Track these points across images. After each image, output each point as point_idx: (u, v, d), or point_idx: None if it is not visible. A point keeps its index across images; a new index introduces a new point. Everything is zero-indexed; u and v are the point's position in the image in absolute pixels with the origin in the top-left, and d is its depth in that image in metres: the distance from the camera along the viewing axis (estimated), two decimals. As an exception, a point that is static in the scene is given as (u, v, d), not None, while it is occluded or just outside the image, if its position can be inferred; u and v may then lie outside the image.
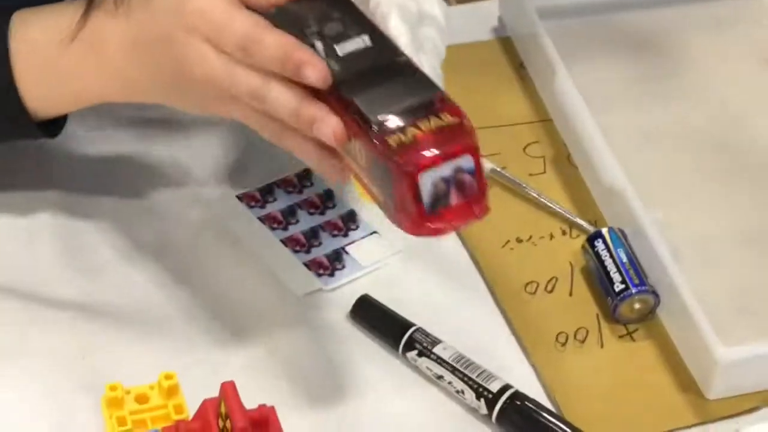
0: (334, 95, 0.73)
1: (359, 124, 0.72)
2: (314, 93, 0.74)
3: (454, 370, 0.86)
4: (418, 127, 0.70)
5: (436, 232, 0.72)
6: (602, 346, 0.91)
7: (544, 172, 1.02)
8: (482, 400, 0.85)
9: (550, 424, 0.84)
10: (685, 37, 1.13)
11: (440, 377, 0.87)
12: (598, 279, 0.93)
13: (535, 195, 0.99)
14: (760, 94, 1.09)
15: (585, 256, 0.95)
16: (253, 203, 0.97)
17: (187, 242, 0.94)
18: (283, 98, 0.75)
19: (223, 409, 0.72)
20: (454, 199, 0.71)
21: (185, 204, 0.96)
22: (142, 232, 0.94)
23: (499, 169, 1.00)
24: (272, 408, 0.77)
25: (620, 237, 0.94)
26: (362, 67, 0.74)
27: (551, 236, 0.97)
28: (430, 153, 0.70)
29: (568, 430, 0.84)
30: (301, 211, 0.97)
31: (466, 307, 0.93)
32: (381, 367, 0.88)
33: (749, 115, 1.07)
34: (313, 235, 0.95)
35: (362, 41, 0.74)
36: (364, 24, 0.76)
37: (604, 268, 0.92)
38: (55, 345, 0.86)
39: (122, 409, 0.79)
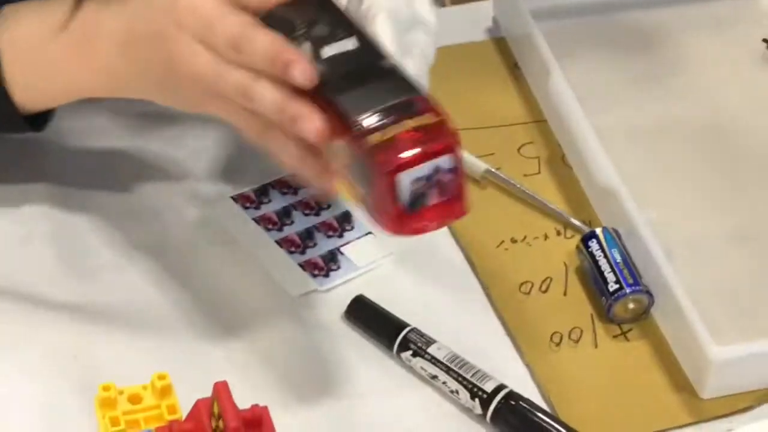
0: (319, 95, 0.74)
1: (342, 123, 0.72)
2: (300, 93, 0.74)
3: (448, 370, 0.86)
4: (399, 127, 0.71)
5: (416, 231, 0.72)
6: (596, 345, 0.91)
7: (539, 172, 1.02)
8: (477, 400, 0.85)
9: (545, 424, 0.84)
10: (680, 38, 1.13)
11: (435, 377, 0.86)
12: (592, 279, 0.93)
13: (529, 195, 0.99)
14: (755, 94, 1.09)
15: (579, 256, 0.95)
16: (248, 204, 0.97)
17: (182, 243, 0.94)
18: (269, 95, 0.75)
19: (215, 409, 0.72)
20: (434, 198, 0.72)
21: (180, 205, 0.96)
22: (136, 233, 0.94)
23: (493, 170, 1.00)
24: (265, 408, 0.77)
25: (614, 237, 0.94)
26: (347, 69, 0.74)
27: (546, 236, 0.97)
28: (410, 152, 0.70)
29: (562, 430, 0.84)
30: (296, 212, 0.97)
31: (461, 308, 0.93)
32: (375, 368, 0.88)
33: (744, 115, 1.07)
34: (308, 235, 0.95)
35: (348, 44, 0.75)
36: (351, 27, 0.76)
37: (599, 268, 0.92)
38: (48, 345, 0.86)
39: (115, 409, 0.78)
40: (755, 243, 0.97)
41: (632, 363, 0.90)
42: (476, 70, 1.09)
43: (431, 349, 0.87)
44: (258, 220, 0.96)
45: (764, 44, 1.12)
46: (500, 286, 0.93)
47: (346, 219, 0.96)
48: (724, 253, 0.96)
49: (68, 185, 0.96)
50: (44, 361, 0.85)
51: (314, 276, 0.93)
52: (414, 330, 0.88)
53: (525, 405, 0.84)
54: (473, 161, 1.00)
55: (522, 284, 0.94)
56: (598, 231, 0.94)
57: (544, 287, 0.94)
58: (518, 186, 1.00)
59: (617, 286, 0.91)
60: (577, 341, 0.91)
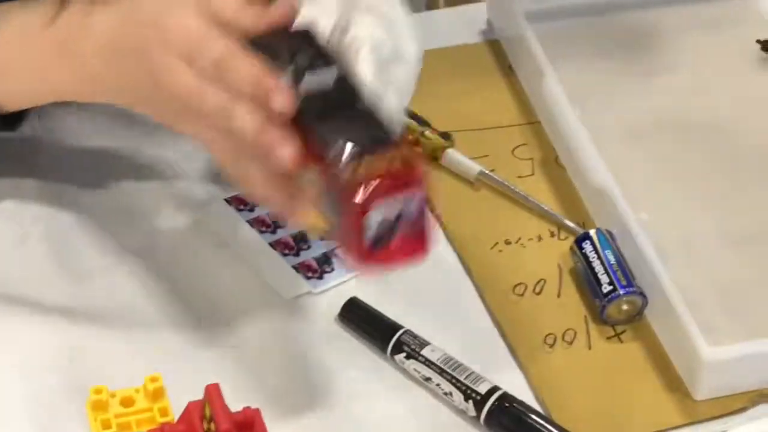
0: (296, 124, 0.74)
1: (316, 155, 0.73)
2: (278, 121, 0.74)
3: (442, 372, 0.86)
4: (371, 166, 0.71)
5: (378, 268, 0.74)
6: (590, 347, 0.90)
7: (533, 174, 1.02)
8: (470, 402, 0.84)
9: (539, 426, 0.83)
10: (673, 39, 1.13)
11: (428, 379, 0.86)
12: (586, 280, 0.93)
13: (523, 197, 0.99)
14: (749, 95, 1.09)
15: (573, 258, 0.94)
16: (241, 206, 0.96)
17: (176, 245, 0.93)
18: (248, 119, 0.75)
19: (207, 412, 0.72)
20: (398, 237, 0.72)
21: (174, 206, 0.96)
22: (130, 235, 0.94)
23: (487, 172, 1.00)
24: (257, 410, 0.77)
25: (608, 238, 0.93)
26: (325, 102, 0.75)
27: (539, 238, 0.97)
28: (379, 192, 0.71)
29: (555, 430, 0.83)
30: (289, 215, 0.96)
31: (455, 309, 0.92)
32: (369, 370, 0.88)
33: (738, 116, 1.07)
34: (301, 238, 0.94)
35: (329, 76, 0.75)
36: (333, 60, 0.77)
37: (592, 269, 0.92)
38: (41, 347, 0.86)
39: (107, 412, 0.78)
40: (748, 244, 0.97)
41: (626, 364, 0.89)
42: (470, 72, 1.09)
43: (425, 351, 0.87)
44: (252, 223, 0.95)
45: (758, 45, 1.12)
46: (494, 288, 0.93)
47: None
48: (718, 254, 0.96)
49: (63, 187, 0.96)
50: (36, 363, 0.85)
51: (308, 278, 0.92)
52: (408, 332, 0.88)
53: (519, 407, 0.84)
54: (467, 163, 1.00)
55: (516, 286, 0.94)
56: (592, 232, 0.94)
57: (537, 289, 0.94)
58: (512, 187, 1.00)
59: (611, 287, 0.91)
60: (570, 343, 0.90)
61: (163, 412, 0.79)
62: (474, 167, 1.00)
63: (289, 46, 0.76)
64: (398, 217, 0.71)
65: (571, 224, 0.97)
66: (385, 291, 0.92)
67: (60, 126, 0.96)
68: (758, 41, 1.12)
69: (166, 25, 0.77)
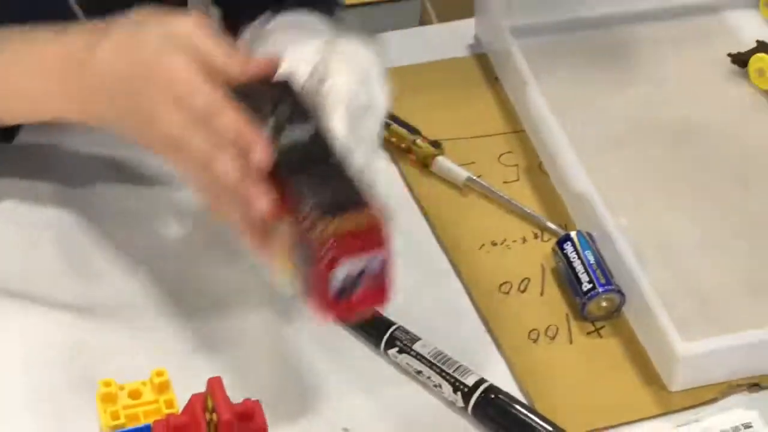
0: (273, 176, 0.74)
1: (289, 208, 0.73)
2: (256, 169, 0.75)
3: (432, 366, 0.85)
4: (340, 225, 0.71)
5: (340, 317, 0.74)
6: (571, 342, 0.90)
7: (518, 179, 1.01)
8: (459, 393, 0.84)
9: (523, 416, 0.83)
10: (650, 53, 1.13)
11: (419, 372, 0.86)
12: (567, 279, 0.92)
13: (508, 201, 0.99)
14: (721, 105, 1.09)
15: (555, 258, 0.94)
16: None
17: (179, 247, 0.93)
18: (229, 169, 0.74)
19: (209, 403, 0.72)
20: (361, 290, 0.73)
21: (177, 210, 0.96)
22: (136, 237, 0.93)
23: (475, 178, 1.00)
24: (257, 402, 0.76)
25: (588, 240, 0.93)
26: (302, 155, 0.75)
27: (524, 239, 0.97)
28: (346, 250, 0.71)
29: (539, 421, 0.83)
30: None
31: (444, 307, 0.92)
32: (364, 364, 0.87)
33: (710, 125, 1.07)
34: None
35: (306, 131, 0.76)
36: (311, 115, 0.77)
37: (573, 269, 0.92)
38: (53, 343, 0.85)
39: (116, 404, 0.78)
40: (719, 245, 0.97)
41: (605, 358, 0.89)
42: (459, 83, 1.09)
43: (416, 346, 0.86)
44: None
45: (728, 58, 1.12)
46: (481, 287, 0.93)
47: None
48: (692, 255, 0.96)
49: (73, 193, 0.95)
50: (49, 358, 0.85)
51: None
52: (400, 328, 0.87)
53: (504, 398, 0.84)
54: (456, 169, 1.00)
55: (501, 285, 0.93)
56: (573, 234, 0.93)
57: (522, 287, 0.93)
58: (498, 192, 0.99)
59: (590, 286, 0.90)
60: (553, 338, 0.90)
61: (169, 403, 0.78)
62: (462, 173, 1.00)
63: (271, 97, 0.77)
64: (361, 273, 0.72)
65: (553, 227, 0.97)
66: (378, 289, 0.92)
67: (71, 134, 0.95)
68: (729, 55, 1.12)
69: (161, 67, 0.77)
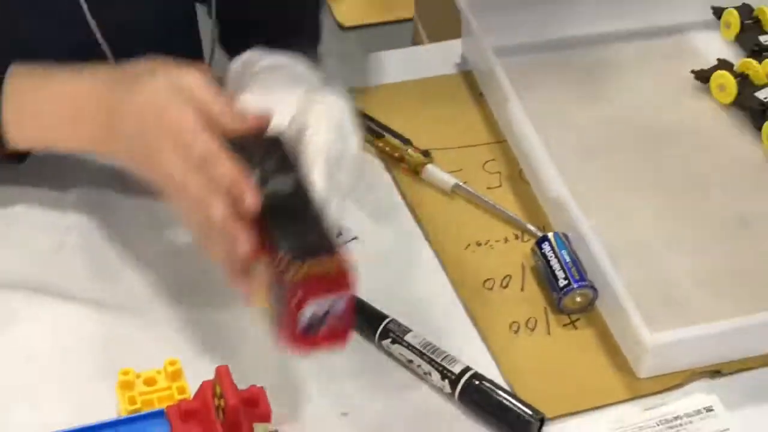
0: (256, 222, 0.75)
1: (268, 250, 0.74)
2: (244, 216, 0.76)
3: (422, 355, 0.85)
4: (310, 270, 0.72)
5: (307, 351, 0.74)
6: (549, 333, 0.90)
7: (500, 185, 1.01)
8: (446, 380, 0.84)
9: (504, 400, 0.83)
10: (622, 70, 1.13)
11: (410, 361, 0.86)
12: (545, 276, 0.92)
13: (492, 205, 0.99)
14: (685, 117, 1.09)
15: (534, 257, 0.94)
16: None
17: (190, 247, 0.92)
18: (219, 212, 0.75)
19: (218, 390, 0.72)
20: (325, 328, 0.74)
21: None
22: (152, 240, 0.93)
23: (461, 184, 1.00)
24: (261, 388, 0.76)
25: (564, 240, 0.93)
26: (283, 205, 0.76)
27: (506, 240, 0.97)
28: (314, 292, 0.72)
29: (519, 405, 0.83)
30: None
31: (433, 301, 0.92)
32: (360, 353, 0.87)
33: (676, 135, 1.07)
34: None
35: (289, 182, 0.77)
36: (294, 167, 0.78)
37: (550, 267, 0.92)
38: (78, 336, 0.86)
39: (133, 390, 0.78)
40: (683, 244, 0.97)
41: (580, 348, 0.89)
42: (447, 98, 1.09)
43: (407, 337, 0.86)
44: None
45: (692, 75, 1.12)
46: (467, 283, 0.93)
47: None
48: (659, 253, 0.96)
49: (95, 201, 0.95)
50: (74, 350, 0.85)
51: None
52: (393, 321, 0.87)
53: (488, 384, 0.84)
54: (444, 176, 1.00)
55: (485, 281, 0.93)
56: (550, 235, 0.93)
57: (504, 283, 0.93)
58: (482, 197, 0.99)
59: (566, 282, 0.90)
60: (532, 329, 0.90)
61: (181, 390, 0.78)
62: (450, 180, 1.00)
63: (261, 149, 0.78)
64: (327, 313, 0.73)
65: (532, 228, 0.97)
66: (373, 286, 0.90)
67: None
68: (692, 72, 1.12)
69: (168, 116, 0.78)
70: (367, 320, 0.88)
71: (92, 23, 0.94)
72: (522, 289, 0.93)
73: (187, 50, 1.05)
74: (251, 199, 0.75)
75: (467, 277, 0.93)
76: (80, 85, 0.84)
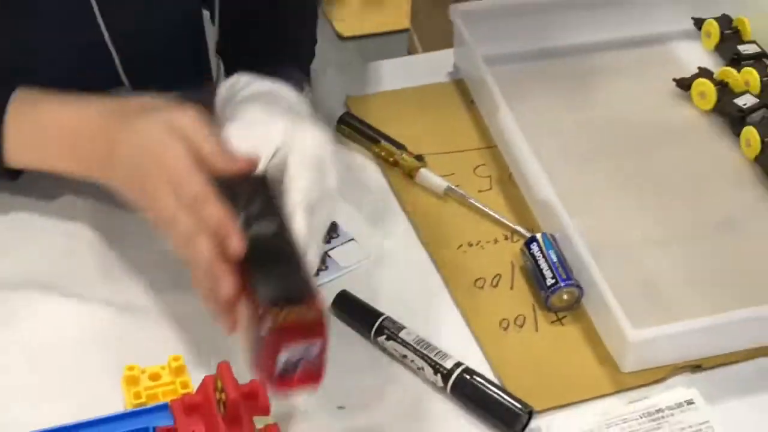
0: (241, 264, 0.75)
1: (249, 294, 0.74)
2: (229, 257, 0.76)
3: (415, 351, 0.85)
4: (287, 317, 0.72)
5: (282, 392, 0.74)
6: (537, 330, 0.89)
7: (491, 188, 1.01)
8: (439, 375, 0.84)
9: (494, 394, 0.83)
10: (607, 78, 1.12)
11: (405, 357, 0.85)
12: (533, 275, 0.92)
13: (483, 207, 0.98)
14: (667, 123, 1.08)
15: (523, 257, 0.93)
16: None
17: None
18: (205, 252, 0.75)
19: (219, 384, 0.71)
20: (300, 372, 0.74)
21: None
22: (156, 243, 0.90)
23: (453, 187, 0.99)
24: (261, 383, 0.75)
25: (551, 241, 0.92)
26: (265, 248, 0.76)
27: (496, 241, 0.96)
28: (289, 339, 0.72)
29: (508, 398, 0.83)
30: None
31: (426, 299, 0.91)
32: (357, 349, 0.87)
33: (658, 140, 1.06)
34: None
35: (271, 226, 0.77)
36: (277, 209, 0.78)
37: (538, 266, 0.91)
38: (87, 334, 0.85)
39: (138, 385, 0.77)
40: (665, 244, 0.96)
41: (566, 344, 0.88)
42: (440, 105, 1.08)
43: (402, 334, 0.86)
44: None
45: (674, 83, 1.11)
46: (459, 282, 0.92)
47: (333, 229, 0.95)
48: (641, 253, 0.95)
49: (105, 207, 0.94)
50: (83, 346, 0.84)
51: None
52: (388, 318, 0.87)
53: (478, 379, 0.83)
54: (437, 180, 0.99)
55: (476, 280, 0.93)
56: (538, 236, 0.93)
57: (494, 282, 0.93)
58: (473, 200, 0.98)
59: (553, 281, 0.90)
60: (521, 326, 0.89)
61: (184, 384, 0.78)
62: (442, 183, 0.99)
63: (246, 194, 0.78)
64: (301, 358, 0.73)
65: (521, 230, 0.96)
66: (369, 285, 0.91)
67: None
68: (674, 80, 1.11)
69: (162, 154, 0.78)
70: (364, 318, 0.88)
71: (102, 26, 0.93)
72: (511, 288, 0.92)
73: (193, 58, 1.05)
74: (236, 243, 0.74)
75: (459, 276, 0.93)
76: (81, 117, 0.84)
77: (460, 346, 0.86)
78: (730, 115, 1.07)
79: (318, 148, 0.82)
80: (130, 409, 0.76)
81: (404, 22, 1.77)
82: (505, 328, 0.89)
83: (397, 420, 0.82)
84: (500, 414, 0.82)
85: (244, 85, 0.89)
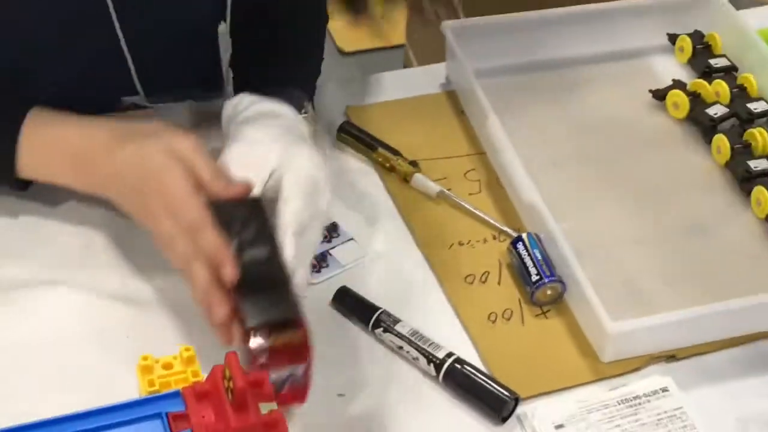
0: (233, 289, 0.76)
1: (240, 317, 0.75)
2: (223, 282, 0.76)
3: (410, 342, 0.85)
4: (275, 341, 0.73)
5: None
6: (523, 323, 0.89)
7: (480, 192, 1.01)
8: (432, 364, 0.84)
9: (483, 382, 0.83)
10: (589, 89, 1.12)
11: (400, 348, 0.85)
12: (519, 272, 0.92)
13: (472, 209, 0.98)
14: (644, 131, 1.08)
15: (510, 255, 0.93)
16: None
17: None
18: (200, 277, 0.76)
19: (227, 374, 0.71)
20: (287, 389, 0.75)
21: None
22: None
23: (445, 191, 0.99)
24: (266, 372, 0.75)
25: (536, 240, 0.92)
26: (257, 273, 0.77)
27: (485, 240, 0.96)
28: (276, 361, 0.74)
29: (496, 386, 0.83)
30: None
31: (420, 295, 0.91)
32: (355, 341, 0.87)
33: (636, 147, 1.06)
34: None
35: (264, 251, 0.77)
36: (269, 234, 0.78)
37: (524, 263, 0.91)
38: (104, 324, 0.85)
39: (152, 374, 0.77)
40: (643, 244, 0.96)
41: (550, 335, 0.89)
42: (433, 115, 1.08)
43: (397, 327, 0.86)
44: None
45: (650, 94, 1.11)
46: (450, 278, 0.92)
47: (333, 229, 0.95)
48: (620, 251, 0.95)
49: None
50: (100, 338, 0.84)
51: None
52: (384, 312, 0.87)
53: (468, 368, 0.84)
54: (430, 184, 0.99)
55: (467, 276, 0.93)
56: (524, 236, 0.93)
57: (483, 278, 0.93)
58: (464, 203, 0.98)
59: (538, 277, 0.90)
60: (508, 319, 0.89)
61: (195, 374, 0.78)
62: (435, 187, 0.99)
63: (241, 217, 0.78)
64: (287, 378, 0.74)
65: (508, 230, 0.96)
66: (367, 281, 0.91)
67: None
68: (650, 91, 1.11)
69: (164, 179, 0.78)
70: (362, 311, 0.88)
71: (118, 30, 0.91)
72: (499, 284, 0.92)
73: (207, 69, 1.04)
74: (230, 272, 0.75)
75: (450, 273, 0.93)
76: (88, 138, 0.84)
77: (451, 338, 0.86)
78: (702, 124, 1.07)
79: (312, 170, 0.81)
80: (144, 396, 0.76)
81: (400, 38, 1.78)
82: (493, 321, 0.89)
83: (393, 406, 0.82)
84: (489, 400, 0.82)
85: (247, 104, 0.89)
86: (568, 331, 0.89)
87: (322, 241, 0.93)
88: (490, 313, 0.90)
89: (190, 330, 0.84)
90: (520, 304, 0.91)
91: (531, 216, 0.95)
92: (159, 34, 0.94)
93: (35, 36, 0.88)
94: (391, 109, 1.08)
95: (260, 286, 0.75)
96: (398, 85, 1.12)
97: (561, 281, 0.90)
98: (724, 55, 1.13)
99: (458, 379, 0.83)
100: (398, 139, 1.02)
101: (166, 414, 0.70)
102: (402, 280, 0.92)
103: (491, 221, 0.97)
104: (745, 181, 1.01)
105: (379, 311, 0.87)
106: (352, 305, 0.89)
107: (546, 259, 0.91)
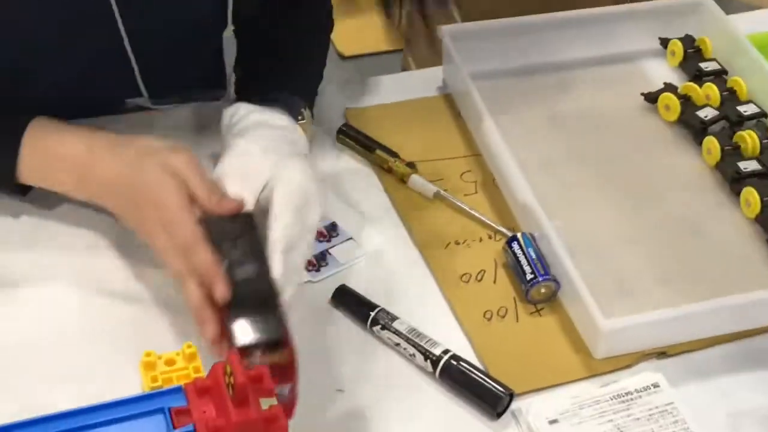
0: (224, 307, 0.76)
1: (230, 334, 0.75)
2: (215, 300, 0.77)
3: (407, 339, 0.85)
4: (262, 359, 0.74)
5: None
6: (518, 320, 0.89)
7: (476, 192, 1.00)
8: (428, 361, 0.84)
9: (479, 378, 0.83)
10: (582, 92, 1.12)
11: (398, 345, 0.85)
12: (514, 271, 0.92)
13: (468, 209, 0.98)
14: (635, 133, 1.08)
15: (505, 254, 0.93)
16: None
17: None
18: (193, 294, 0.77)
19: (228, 370, 0.71)
20: None
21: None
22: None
23: (442, 191, 0.99)
24: (266, 368, 0.75)
25: (531, 240, 0.92)
26: (246, 292, 0.76)
27: (480, 239, 0.96)
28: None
29: (492, 382, 0.83)
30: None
31: (417, 292, 0.91)
32: (354, 338, 0.86)
33: (628, 148, 1.06)
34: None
35: (254, 269, 0.77)
36: (260, 251, 0.78)
37: (519, 262, 0.91)
38: (108, 322, 0.85)
39: (155, 370, 0.77)
40: (634, 243, 0.96)
41: (544, 333, 0.88)
42: (430, 117, 1.08)
43: (395, 324, 0.86)
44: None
45: (642, 97, 1.11)
46: (446, 277, 0.92)
47: (333, 228, 0.95)
48: (612, 251, 0.95)
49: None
50: (105, 335, 0.84)
51: (309, 270, 0.91)
52: (382, 310, 0.87)
53: (464, 364, 0.83)
54: (427, 185, 0.99)
55: (463, 275, 0.92)
56: (519, 235, 0.93)
57: (479, 277, 0.92)
58: (460, 203, 0.98)
59: (533, 276, 0.90)
60: (503, 317, 0.89)
61: (196, 370, 0.77)
62: (432, 188, 0.99)
63: (233, 234, 0.78)
64: (275, 396, 0.73)
65: (503, 230, 0.96)
66: (366, 280, 0.91)
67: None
68: (642, 94, 1.11)
69: (159, 195, 0.78)
70: (360, 309, 0.87)
71: (122, 30, 0.91)
72: (494, 282, 0.92)
73: (211, 71, 1.03)
74: (221, 291, 0.75)
75: (447, 272, 0.92)
76: (86, 149, 0.83)
77: (447, 335, 0.86)
78: (692, 126, 1.07)
79: (304, 183, 0.81)
80: (147, 391, 0.76)
81: (399, 43, 1.77)
82: (489, 319, 0.89)
83: (391, 402, 0.82)
84: (484, 396, 0.82)
85: (244, 114, 0.88)
86: (561, 328, 0.88)
87: (322, 241, 0.93)
88: (486, 311, 0.89)
89: (193, 327, 0.82)
90: (515, 302, 0.90)
91: (526, 216, 0.95)
92: (162, 33, 0.93)
93: (35, 36, 0.87)
94: (390, 111, 1.08)
95: (249, 305, 0.76)
96: (396, 88, 1.11)
97: (555, 280, 0.90)
98: (714, 59, 1.13)
99: (454, 376, 0.83)
100: (396, 140, 1.02)
101: (169, 409, 0.70)
102: (400, 279, 0.91)
103: (487, 221, 0.97)
104: (734, 182, 1.01)
105: (377, 309, 0.87)
106: (351, 303, 0.88)
107: (540, 258, 0.91)
